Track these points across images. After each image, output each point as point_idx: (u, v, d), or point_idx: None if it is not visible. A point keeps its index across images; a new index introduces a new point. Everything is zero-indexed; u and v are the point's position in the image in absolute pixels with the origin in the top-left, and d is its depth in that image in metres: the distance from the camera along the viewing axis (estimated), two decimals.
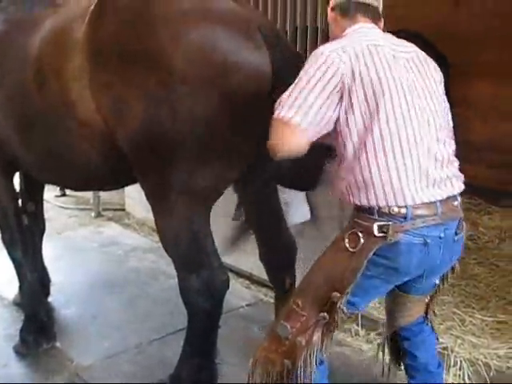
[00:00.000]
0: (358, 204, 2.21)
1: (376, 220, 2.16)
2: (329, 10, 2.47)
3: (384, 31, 2.41)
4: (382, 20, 2.46)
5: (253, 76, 2.55)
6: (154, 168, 2.63)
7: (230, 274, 3.44)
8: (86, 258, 5.19)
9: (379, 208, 2.16)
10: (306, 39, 4.04)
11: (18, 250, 3.63)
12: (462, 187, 2.31)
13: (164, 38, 2.47)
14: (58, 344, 3.72)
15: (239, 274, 4.68)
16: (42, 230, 4.14)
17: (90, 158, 2.86)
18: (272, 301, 3.65)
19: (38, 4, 3.25)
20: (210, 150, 2.57)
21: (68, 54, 2.73)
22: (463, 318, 3.87)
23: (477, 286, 4.36)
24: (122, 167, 2.78)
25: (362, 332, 3.79)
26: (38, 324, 3.70)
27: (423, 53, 2.38)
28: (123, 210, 6.44)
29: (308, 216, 3.91)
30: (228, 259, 4.40)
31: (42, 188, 4.08)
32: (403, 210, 2.14)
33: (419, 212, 2.16)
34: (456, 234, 2.29)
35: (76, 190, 4.68)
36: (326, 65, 2.14)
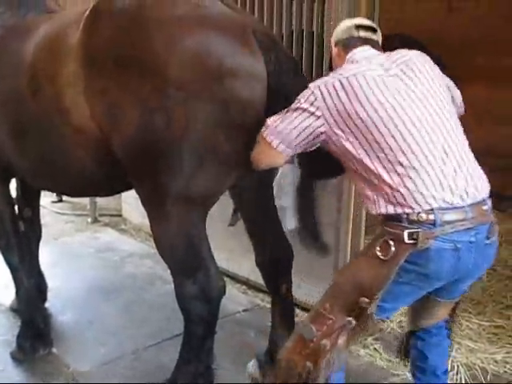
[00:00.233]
0: (385, 213, 2.24)
1: (406, 227, 2.17)
2: (332, 45, 2.62)
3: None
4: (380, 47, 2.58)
5: (248, 81, 2.55)
6: (150, 174, 2.62)
7: (227, 279, 3.45)
8: (83, 264, 5.18)
9: (407, 215, 2.17)
10: (302, 43, 4.04)
11: (15, 255, 3.63)
12: (488, 190, 2.33)
13: (159, 43, 2.46)
14: (54, 350, 3.71)
15: (236, 279, 4.68)
16: (39, 236, 4.14)
17: (84, 165, 2.86)
18: (269, 306, 3.64)
19: (32, 9, 3.26)
20: (206, 155, 2.56)
21: (62, 60, 2.73)
22: (460, 323, 3.86)
23: (473, 291, 4.37)
24: (117, 173, 2.77)
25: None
26: (35, 330, 3.70)
27: (418, 56, 2.43)
28: (120, 215, 6.43)
29: None
30: (225, 264, 4.42)
31: (39, 194, 4.08)
32: (431, 217, 2.15)
33: (448, 218, 2.16)
34: (487, 238, 2.28)
35: (71, 196, 4.68)
36: (310, 99, 2.30)
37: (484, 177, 2.34)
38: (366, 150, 2.23)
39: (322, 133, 2.30)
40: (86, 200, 6.42)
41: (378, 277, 2.22)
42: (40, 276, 4.20)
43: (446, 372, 2.75)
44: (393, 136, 2.19)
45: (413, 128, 2.20)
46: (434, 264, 2.19)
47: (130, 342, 3.81)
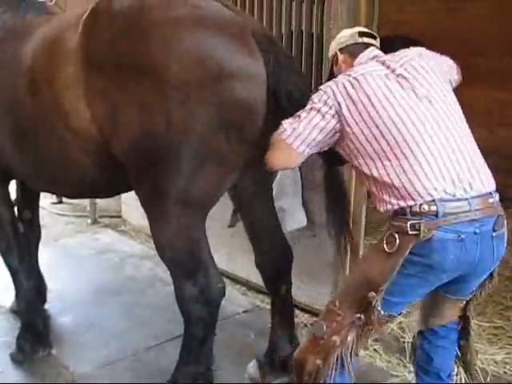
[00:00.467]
0: (391, 209, 2.30)
1: (409, 219, 2.22)
2: (335, 52, 2.71)
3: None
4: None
5: (248, 82, 2.55)
6: (149, 176, 2.63)
7: (227, 281, 3.45)
8: (83, 265, 5.18)
9: (410, 208, 2.23)
10: (302, 44, 4.05)
11: (14, 257, 3.63)
12: (494, 184, 2.36)
13: (158, 45, 2.47)
14: (54, 351, 3.71)
15: (236, 280, 4.69)
16: (38, 238, 4.14)
17: (84, 167, 2.86)
18: (268, 307, 3.65)
19: (31, 11, 3.25)
20: (206, 157, 2.56)
21: (61, 62, 2.73)
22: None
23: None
24: (117, 175, 2.78)
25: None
26: (35, 331, 3.69)
27: (419, 54, 2.51)
28: (120, 216, 6.44)
29: (304, 222, 3.93)
30: (224, 265, 4.42)
31: (38, 195, 4.08)
32: (433, 207, 2.20)
33: (450, 209, 2.21)
34: (494, 230, 2.30)
35: (71, 198, 4.68)
36: (323, 98, 2.38)
37: (488, 171, 2.37)
38: (372, 146, 2.31)
39: (336, 131, 2.39)
40: (85, 201, 6.42)
41: (384, 269, 2.26)
42: (40, 277, 4.20)
43: (450, 375, 2.74)
44: (398, 129, 2.26)
45: (417, 122, 2.27)
46: (438, 254, 2.21)
47: (130, 344, 3.81)
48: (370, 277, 2.31)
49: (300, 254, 3.45)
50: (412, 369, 2.95)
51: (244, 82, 2.54)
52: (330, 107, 2.35)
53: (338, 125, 2.37)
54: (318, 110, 2.37)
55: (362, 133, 2.31)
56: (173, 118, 2.47)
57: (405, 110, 2.29)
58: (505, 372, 3.36)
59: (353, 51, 2.63)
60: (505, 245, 2.39)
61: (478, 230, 2.24)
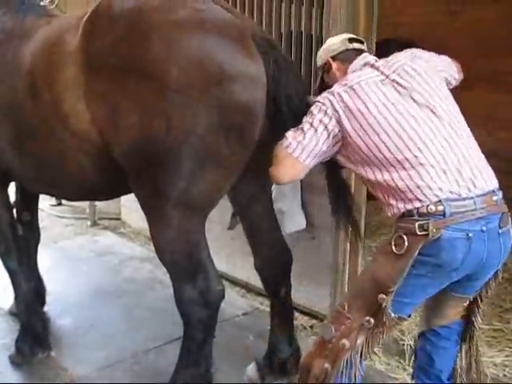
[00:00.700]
0: (398, 212, 2.33)
1: (417, 220, 2.25)
2: (329, 60, 2.71)
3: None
4: None
5: (248, 85, 2.55)
6: (149, 178, 2.63)
7: (226, 283, 3.44)
8: (82, 268, 5.17)
9: (417, 209, 2.26)
10: (301, 45, 4.05)
11: (14, 259, 3.62)
12: (497, 182, 2.39)
13: (158, 48, 2.47)
14: (53, 353, 3.71)
15: (235, 282, 4.68)
16: (37, 240, 4.13)
17: (84, 169, 2.86)
18: (268, 310, 3.64)
19: (31, 13, 3.25)
20: (206, 160, 2.56)
21: (61, 65, 2.73)
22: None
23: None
24: (116, 177, 2.78)
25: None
26: (34, 334, 3.69)
27: (411, 57, 2.53)
28: (119, 219, 6.43)
29: (303, 225, 3.93)
30: (224, 268, 4.42)
31: (37, 198, 4.08)
32: (440, 208, 2.23)
33: (457, 208, 2.24)
34: (500, 227, 2.32)
35: (70, 200, 4.67)
36: (322, 109, 2.41)
37: (489, 168, 2.41)
38: (374, 154, 2.33)
39: (338, 141, 2.43)
40: (85, 203, 6.41)
41: (394, 271, 2.28)
42: (39, 280, 4.19)
43: (450, 378, 2.74)
44: (399, 136, 2.29)
45: (417, 126, 2.30)
46: (447, 253, 2.23)
47: (129, 346, 3.80)
48: (380, 279, 2.32)
49: (299, 257, 3.45)
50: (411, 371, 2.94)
51: (244, 84, 2.54)
52: (331, 118, 2.39)
53: (339, 134, 2.40)
54: (320, 121, 2.40)
55: (363, 141, 2.34)
56: (173, 120, 2.47)
57: (403, 116, 2.32)
58: (504, 375, 3.36)
59: (345, 58, 2.66)
60: (511, 241, 2.40)
61: (484, 228, 2.26)
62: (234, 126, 2.55)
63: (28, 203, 4.01)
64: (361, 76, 2.45)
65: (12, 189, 3.73)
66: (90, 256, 5.50)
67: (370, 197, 2.70)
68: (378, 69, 2.48)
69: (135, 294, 4.64)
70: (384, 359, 3.61)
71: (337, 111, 2.38)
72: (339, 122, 2.38)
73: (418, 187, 2.25)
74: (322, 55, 2.76)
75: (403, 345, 3.59)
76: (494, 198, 2.33)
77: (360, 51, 2.66)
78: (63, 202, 6.94)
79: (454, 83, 2.66)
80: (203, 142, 2.52)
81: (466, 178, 2.28)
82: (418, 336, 2.78)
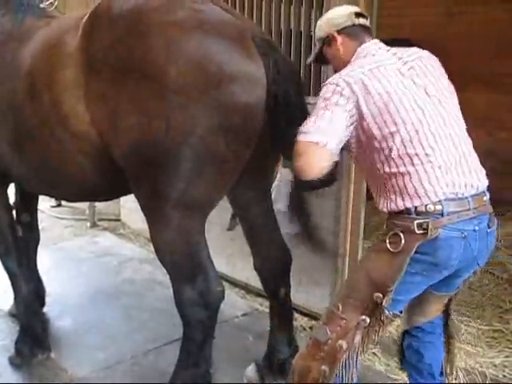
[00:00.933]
0: (395, 208, 2.30)
1: (415, 218, 2.24)
2: (334, 33, 2.58)
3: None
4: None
5: (247, 86, 2.55)
6: (149, 179, 2.63)
7: (226, 284, 3.44)
8: (82, 269, 5.17)
9: (415, 208, 2.25)
10: (301, 45, 4.05)
11: (13, 260, 3.62)
12: (487, 182, 2.40)
13: (158, 49, 2.47)
14: (52, 355, 3.71)
15: (235, 283, 4.68)
16: (37, 241, 4.13)
17: (84, 170, 2.86)
18: (267, 310, 3.64)
19: (30, 14, 3.25)
20: (205, 160, 2.56)
21: (61, 66, 2.73)
22: (459, 327, 3.87)
23: (472, 295, 4.37)
24: (116, 178, 2.78)
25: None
26: (33, 335, 3.69)
27: (425, 53, 2.51)
28: (119, 220, 6.43)
29: None
30: (223, 269, 4.42)
31: (37, 199, 4.07)
32: (438, 207, 2.23)
33: (453, 208, 2.25)
34: (489, 227, 2.37)
35: (70, 201, 4.67)
36: (337, 90, 2.30)
37: (481, 168, 2.41)
38: (388, 144, 2.28)
39: (353, 123, 2.32)
40: (84, 205, 6.40)
41: (391, 269, 2.27)
42: (38, 281, 4.19)
43: (442, 374, 2.76)
44: (416, 130, 2.26)
45: (431, 121, 2.29)
46: (444, 252, 2.25)
47: (128, 347, 3.80)
48: (375, 278, 2.31)
49: (299, 257, 3.44)
50: None
51: (243, 85, 2.54)
52: (348, 99, 2.28)
53: (355, 116, 2.30)
54: (336, 103, 2.28)
55: (379, 129, 2.28)
56: (172, 121, 2.47)
57: (421, 110, 2.29)
58: (504, 375, 3.37)
59: (352, 33, 2.56)
60: (495, 240, 2.45)
61: (477, 228, 2.29)
62: (234, 126, 2.55)
63: (28, 204, 4.01)
64: (380, 60, 2.38)
65: (12, 190, 3.73)
66: (89, 257, 5.49)
67: (370, 197, 2.70)
68: (395, 55, 2.43)
69: (135, 295, 4.64)
70: (384, 360, 3.62)
71: (354, 93, 2.28)
72: (357, 104, 2.28)
73: (423, 186, 2.24)
74: (325, 27, 2.63)
75: None
76: (485, 198, 2.37)
77: (366, 28, 2.59)
78: (63, 203, 6.94)
79: None
80: (202, 143, 2.51)
81: (463, 178, 2.29)
82: (402, 334, 2.78)
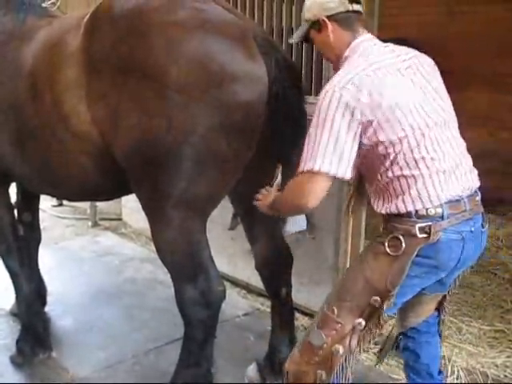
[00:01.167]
0: (395, 211, 2.25)
1: (416, 222, 2.20)
2: (324, 18, 2.37)
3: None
4: None
5: (249, 85, 2.55)
6: (150, 179, 2.63)
7: (227, 284, 3.44)
8: (83, 268, 5.18)
9: (416, 211, 2.21)
10: (302, 45, 4.04)
11: (15, 260, 3.62)
12: (478, 182, 2.38)
13: (159, 48, 2.47)
14: (54, 354, 3.71)
15: (236, 283, 4.68)
16: (38, 240, 4.13)
17: (85, 170, 2.86)
18: (269, 310, 3.64)
19: (32, 14, 3.25)
20: (207, 160, 2.56)
21: (62, 66, 2.73)
22: (460, 327, 3.88)
23: (474, 295, 4.38)
24: (118, 178, 2.78)
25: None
26: (35, 334, 3.69)
27: (420, 53, 2.44)
28: (120, 219, 6.43)
29: (304, 225, 3.92)
30: (225, 268, 4.42)
31: (38, 198, 4.08)
32: (439, 210, 2.20)
33: (452, 210, 2.22)
34: (483, 226, 2.35)
35: (72, 200, 4.67)
36: (341, 107, 2.15)
37: (474, 168, 2.39)
38: (394, 149, 2.19)
39: (360, 133, 2.18)
40: (86, 204, 6.41)
41: (392, 273, 2.23)
42: (40, 280, 4.19)
43: (440, 373, 2.75)
44: (423, 134, 2.20)
45: (433, 124, 2.24)
46: (444, 255, 2.24)
47: (130, 347, 3.80)
48: (374, 282, 2.26)
49: (300, 257, 3.45)
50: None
51: (245, 84, 2.54)
52: (353, 110, 2.14)
53: (361, 126, 2.17)
54: (342, 118, 2.15)
55: (386, 135, 2.17)
56: (173, 121, 2.47)
57: (426, 112, 2.22)
58: (505, 375, 3.37)
59: (344, 21, 2.36)
60: (485, 239, 2.43)
61: (472, 228, 2.28)
62: (235, 126, 2.54)
63: (29, 204, 4.01)
64: (379, 61, 2.25)
65: (13, 189, 3.73)
66: (90, 256, 5.50)
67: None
68: (392, 52, 2.32)
69: (136, 294, 4.64)
70: (384, 360, 3.61)
71: (359, 100, 2.14)
72: (362, 113, 2.14)
73: (427, 190, 2.19)
74: (314, 10, 2.39)
75: None
76: (477, 198, 2.35)
77: (359, 14, 2.39)
78: (64, 202, 6.94)
79: None
80: (204, 142, 2.52)
81: (461, 180, 2.27)
82: (397, 336, 2.76)
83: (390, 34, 3.63)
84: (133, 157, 2.60)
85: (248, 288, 4.62)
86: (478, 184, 2.37)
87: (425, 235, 2.19)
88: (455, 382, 3.34)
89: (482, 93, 6.03)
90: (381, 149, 2.21)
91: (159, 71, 2.46)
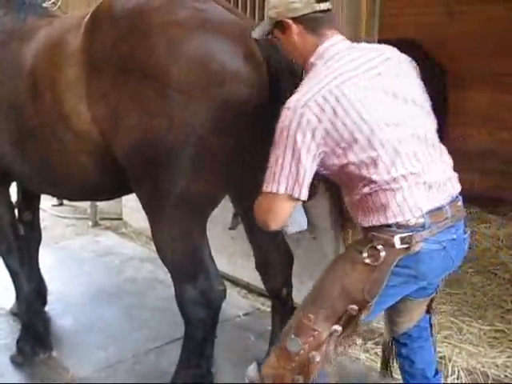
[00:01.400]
0: (377, 224, 2.18)
1: (396, 232, 2.14)
2: (288, 21, 2.24)
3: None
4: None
5: (249, 85, 2.55)
6: (150, 178, 2.63)
7: (227, 283, 3.43)
8: (83, 268, 5.18)
9: (397, 222, 2.15)
10: None
11: (15, 259, 3.63)
12: (459, 187, 2.32)
13: (160, 48, 2.47)
14: (54, 354, 3.71)
15: (236, 283, 4.68)
16: (39, 240, 4.13)
17: (86, 170, 2.86)
18: (269, 310, 3.65)
19: (32, 14, 3.25)
20: (207, 159, 2.56)
21: (63, 65, 2.73)
22: (460, 327, 3.87)
23: (474, 295, 4.37)
24: (118, 177, 2.78)
25: (358, 341, 3.78)
26: (35, 334, 3.70)
27: (395, 52, 2.32)
28: (120, 219, 6.43)
29: (304, 226, 3.92)
30: (225, 268, 4.42)
31: (39, 198, 4.08)
32: (421, 220, 2.14)
33: (433, 219, 2.16)
34: (464, 232, 2.31)
35: (72, 200, 4.67)
36: (302, 127, 2.07)
37: (455, 173, 2.32)
38: (368, 170, 2.13)
39: (322, 152, 2.12)
40: (86, 204, 6.40)
41: (370, 283, 2.17)
42: (40, 280, 4.20)
43: (437, 374, 2.71)
44: (397, 152, 2.12)
45: (410, 138, 2.15)
46: (425, 265, 2.19)
47: (130, 346, 3.81)
48: (350, 290, 2.20)
49: (300, 257, 3.44)
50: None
51: (245, 84, 2.54)
52: (313, 130, 2.06)
53: (324, 146, 2.09)
54: (302, 140, 2.07)
55: (357, 157, 2.10)
56: (174, 120, 2.47)
57: (398, 126, 2.12)
58: (506, 375, 3.36)
59: (311, 24, 2.22)
60: (467, 244, 2.38)
61: (454, 236, 2.23)
62: (235, 125, 2.55)
63: (29, 203, 4.01)
64: (346, 71, 2.12)
65: (13, 189, 3.73)
66: (91, 256, 5.50)
67: None
68: (360, 58, 2.18)
69: (136, 294, 4.64)
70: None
71: (321, 121, 2.05)
72: (326, 132, 2.07)
73: (407, 203, 2.12)
74: (279, 8, 2.24)
75: None
76: (459, 203, 2.28)
77: (327, 14, 2.24)
78: (65, 202, 6.93)
79: None
80: (204, 142, 2.52)
81: (442, 187, 2.21)
82: (390, 342, 2.74)
83: (389, 35, 3.64)
84: (133, 156, 2.61)
85: (248, 288, 4.62)
86: (459, 189, 2.30)
87: (405, 246, 2.13)
88: (455, 382, 3.33)
89: (482, 93, 6.02)
90: (353, 168, 2.13)
91: (160, 71, 2.46)
